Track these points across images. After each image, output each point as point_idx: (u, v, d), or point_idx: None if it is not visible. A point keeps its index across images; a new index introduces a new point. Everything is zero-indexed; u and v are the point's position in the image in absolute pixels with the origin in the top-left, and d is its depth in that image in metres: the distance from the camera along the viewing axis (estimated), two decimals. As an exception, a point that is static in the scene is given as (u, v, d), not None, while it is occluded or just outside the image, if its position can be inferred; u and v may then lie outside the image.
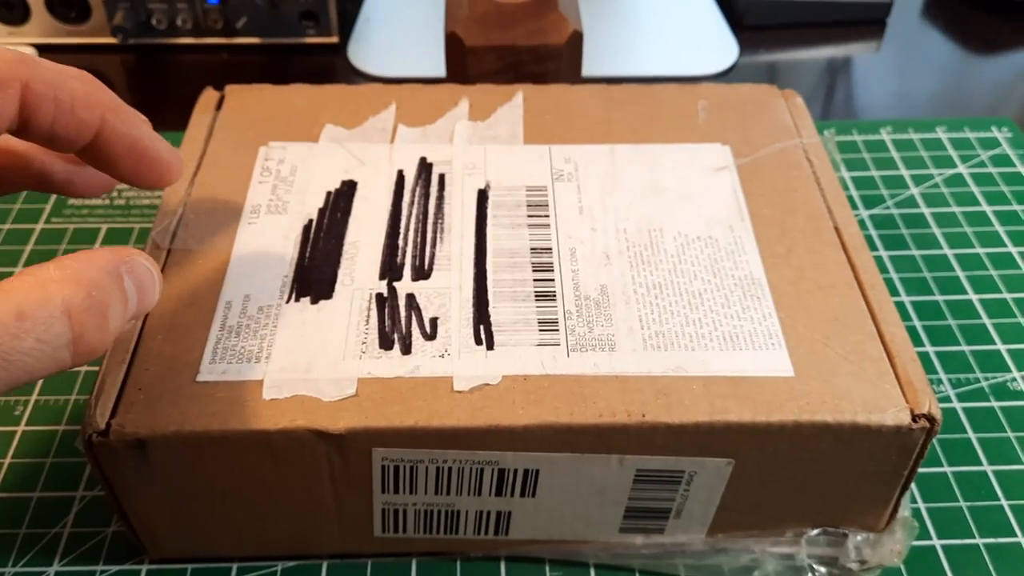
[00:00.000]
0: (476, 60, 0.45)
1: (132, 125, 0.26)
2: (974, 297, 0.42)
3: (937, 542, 0.33)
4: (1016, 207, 0.47)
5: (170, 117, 0.53)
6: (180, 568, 0.32)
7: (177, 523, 0.31)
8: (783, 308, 0.31)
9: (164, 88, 0.56)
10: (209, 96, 0.39)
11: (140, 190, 0.47)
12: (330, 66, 0.58)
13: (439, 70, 0.48)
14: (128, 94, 0.56)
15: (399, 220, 0.34)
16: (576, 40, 0.46)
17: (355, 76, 0.57)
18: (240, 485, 0.29)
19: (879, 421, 0.28)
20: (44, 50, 0.57)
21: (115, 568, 0.32)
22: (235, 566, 0.32)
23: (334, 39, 0.58)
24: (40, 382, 0.38)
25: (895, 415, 0.28)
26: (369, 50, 0.58)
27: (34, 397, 0.37)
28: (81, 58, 0.58)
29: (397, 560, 0.33)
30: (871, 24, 0.62)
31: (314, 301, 0.31)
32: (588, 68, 0.49)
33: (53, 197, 0.47)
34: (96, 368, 0.37)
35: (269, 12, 0.56)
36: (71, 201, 0.46)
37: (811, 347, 0.30)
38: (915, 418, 0.28)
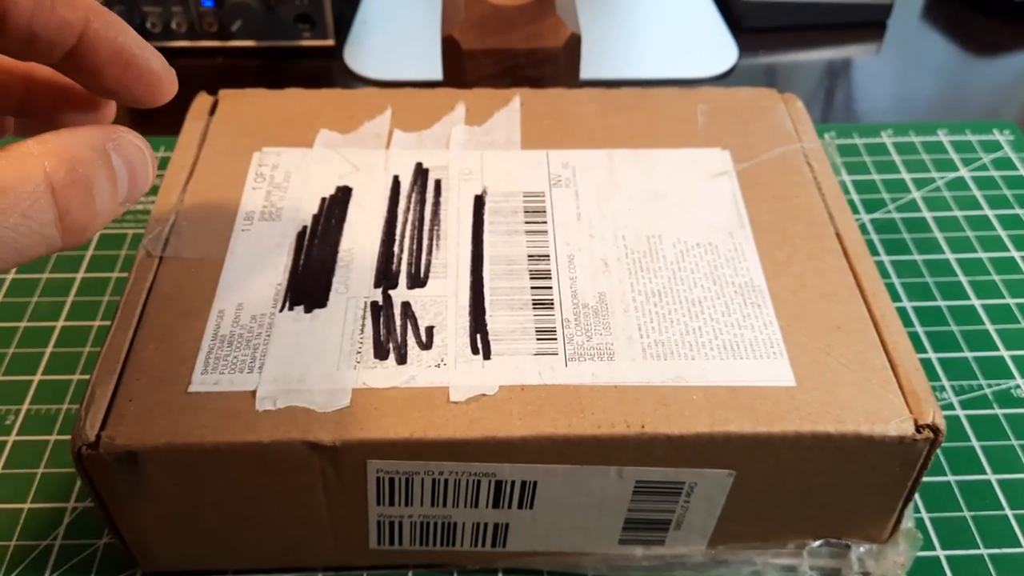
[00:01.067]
0: (473, 64, 0.45)
1: (118, 30, 0.24)
2: (977, 302, 0.42)
3: (941, 553, 0.33)
4: (1019, 210, 0.46)
5: (164, 121, 0.52)
6: (173, 580, 0.32)
7: (169, 536, 0.30)
8: (784, 316, 0.31)
9: (159, 92, 0.56)
10: (202, 101, 0.38)
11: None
12: (326, 69, 0.57)
13: (436, 73, 0.47)
14: (122, 98, 0.55)
15: (394, 227, 0.33)
16: (574, 43, 0.45)
17: (351, 79, 0.56)
18: (233, 498, 0.29)
19: (882, 432, 0.28)
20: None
21: (108, 581, 0.32)
22: (228, 578, 0.32)
23: (330, 42, 0.57)
24: (31, 390, 0.37)
25: (898, 425, 0.28)
26: (365, 53, 0.58)
27: (25, 406, 0.37)
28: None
29: (393, 572, 0.32)
30: (871, 26, 0.62)
31: (308, 310, 0.30)
32: (586, 71, 0.48)
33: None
34: (87, 377, 0.37)
35: (264, 15, 0.55)
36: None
37: (813, 356, 0.29)
38: (919, 428, 0.28)
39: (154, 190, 0.46)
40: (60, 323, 0.40)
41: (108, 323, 0.40)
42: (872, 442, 0.28)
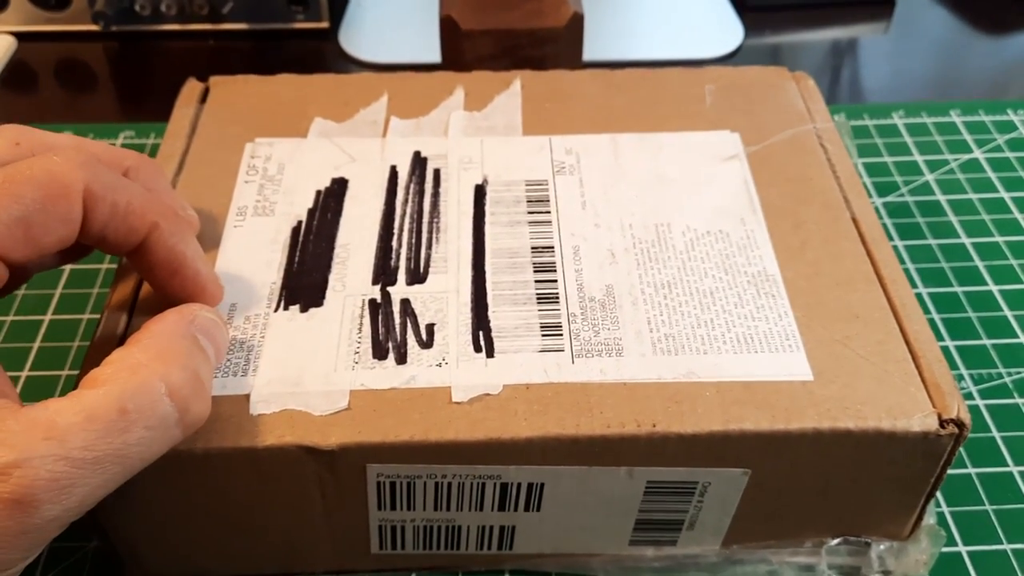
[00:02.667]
0: (472, 44, 0.44)
1: (180, 238, 0.27)
2: (994, 288, 0.41)
3: (963, 548, 0.32)
4: (1035, 192, 0.45)
5: (155, 107, 0.51)
6: (167, 587, 0.31)
7: (160, 543, 0.29)
8: (799, 306, 0.30)
9: (148, 77, 0.54)
10: (192, 88, 0.37)
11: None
12: (320, 52, 0.56)
13: (433, 55, 0.46)
14: (111, 84, 0.54)
15: (392, 220, 0.32)
16: (576, 23, 0.44)
17: (346, 62, 0.55)
18: (226, 504, 0.28)
19: (905, 427, 0.27)
20: (24, 38, 0.56)
21: (98, 591, 0.31)
22: (225, 585, 0.31)
23: (324, 24, 0.56)
24: (19, 387, 0.36)
25: (922, 420, 0.27)
26: (361, 35, 0.56)
27: (25, 372, 0.36)
28: (61, 46, 0.56)
29: (396, 575, 0.31)
30: (879, 4, 0.61)
31: (304, 309, 0.29)
32: (589, 52, 0.47)
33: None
34: (75, 373, 0.36)
35: (256, -3, 0.54)
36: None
37: (830, 348, 0.28)
38: (943, 423, 0.27)
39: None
40: (48, 316, 0.39)
41: (95, 317, 0.39)
42: (894, 438, 0.27)
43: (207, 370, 0.25)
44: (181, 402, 0.23)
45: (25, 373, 0.37)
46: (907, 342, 0.29)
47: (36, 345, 0.38)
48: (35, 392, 0.36)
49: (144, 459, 0.23)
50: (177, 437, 0.23)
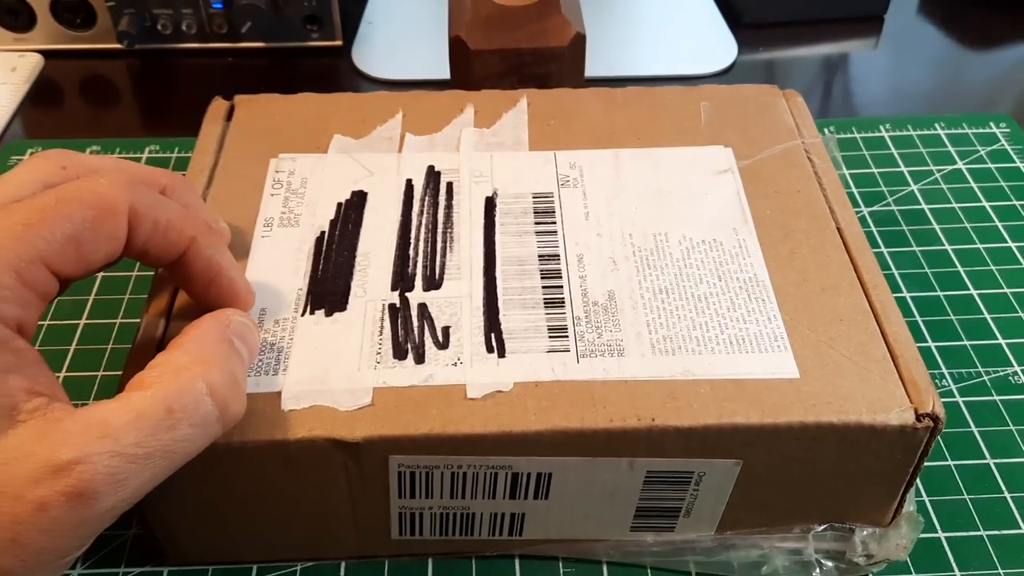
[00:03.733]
0: (480, 63, 0.46)
1: (215, 250, 0.29)
2: (975, 292, 0.43)
3: (942, 535, 0.34)
4: (1015, 202, 0.47)
5: (177, 121, 0.54)
6: (201, 570, 0.33)
7: (197, 529, 0.31)
8: (787, 310, 0.32)
9: (170, 93, 0.57)
10: (218, 106, 0.39)
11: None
12: (334, 69, 0.58)
13: (442, 72, 0.48)
14: (134, 100, 0.56)
15: (409, 230, 0.34)
16: (578, 42, 0.46)
17: (359, 79, 0.57)
18: (259, 493, 0.30)
19: (884, 421, 0.29)
20: (50, 56, 0.58)
21: (137, 570, 0.33)
22: (255, 567, 0.33)
23: (338, 42, 0.58)
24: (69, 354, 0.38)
25: (900, 415, 0.29)
26: (372, 53, 0.59)
27: (63, 374, 0.38)
28: (86, 64, 0.58)
29: (414, 559, 0.33)
30: (869, 20, 0.63)
31: (328, 313, 0.31)
32: (590, 69, 0.49)
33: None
34: (116, 373, 0.38)
35: (273, 16, 0.56)
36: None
37: (816, 348, 0.30)
38: (919, 417, 0.29)
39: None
40: (83, 321, 0.41)
41: (130, 321, 0.41)
42: (874, 431, 0.29)
43: (242, 371, 0.27)
44: (221, 401, 0.25)
45: (63, 374, 0.39)
46: (887, 343, 0.31)
47: (72, 348, 0.40)
48: (73, 392, 0.38)
49: (188, 454, 0.25)
50: (217, 433, 0.25)
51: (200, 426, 0.24)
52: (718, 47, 0.59)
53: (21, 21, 0.57)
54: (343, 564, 0.33)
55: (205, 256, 0.28)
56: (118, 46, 0.56)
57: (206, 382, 0.25)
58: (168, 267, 0.29)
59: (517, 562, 0.33)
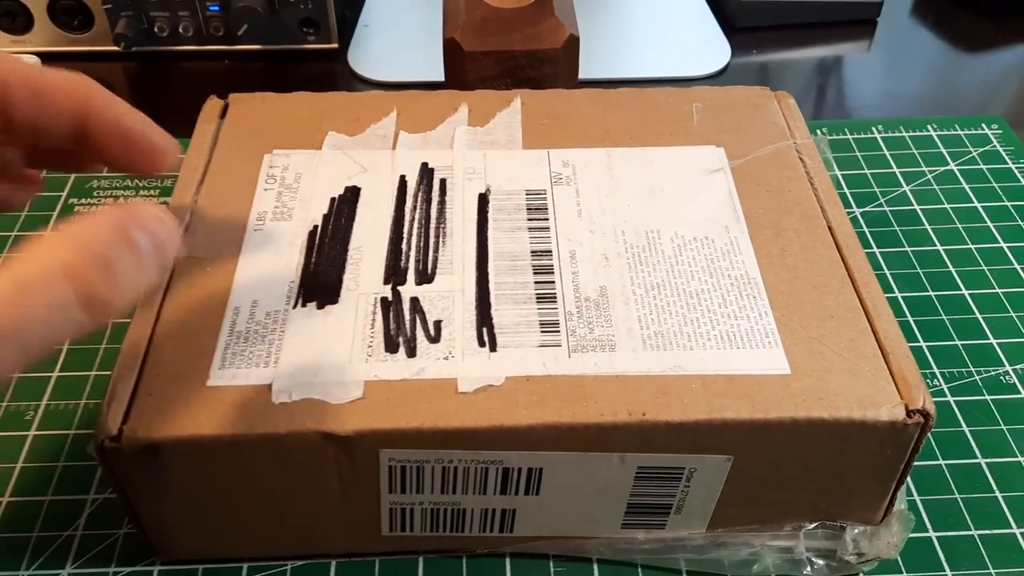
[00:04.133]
0: (474, 65, 0.46)
1: (118, 110, 0.26)
2: (966, 292, 0.43)
3: (933, 534, 0.34)
4: (1007, 203, 0.47)
5: (173, 123, 0.53)
6: (191, 568, 0.33)
7: (188, 525, 0.31)
8: (779, 307, 0.32)
9: (167, 95, 0.57)
10: (213, 105, 0.39)
11: (146, 197, 0.48)
12: (330, 72, 0.58)
13: (438, 74, 0.48)
14: (131, 102, 0.56)
15: (402, 225, 0.34)
16: (572, 44, 0.46)
17: (355, 81, 0.57)
18: (250, 487, 0.30)
19: (874, 417, 0.29)
20: (47, 58, 0.58)
21: (127, 569, 0.33)
22: (245, 566, 0.33)
23: (334, 45, 0.58)
24: (50, 387, 0.38)
25: (890, 411, 0.29)
26: (368, 56, 0.59)
27: (44, 402, 0.38)
28: (84, 66, 0.57)
29: (405, 557, 0.33)
30: (861, 24, 0.63)
31: (320, 306, 0.31)
32: (584, 72, 0.49)
33: (60, 203, 0.47)
34: (107, 373, 0.38)
35: (270, 19, 0.56)
36: (77, 208, 0.47)
37: (807, 345, 0.31)
38: (910, 413, 0.29)
39: (167, 191, 0.47)
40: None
41: (124, 321, 0.41)
42: (864, 427, 0.29)
43: (128, 261, 0.24)
44: (82, 284, 0.22)
45: (56, 374, 0.39)
46: (877, 340, 0.31)
47: (65, 347, 0.40)
48: (66, 392, 0.38)
49: (46, 337, 0.22)
50: (83, 321, 0.23)
51: (54, 306, 0.22)
52: (711, 50, 0.60)
53: (18, 23, 0.57)
54: (333, 563, 0.33)
55: (110, 117, 0.26)
56: (115, 48, 0.57)
57: (63, 261, 0.22)
58: (75, 142, 0.26)
59: (508, 561, 0.33)
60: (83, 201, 0.47)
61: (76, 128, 0.26)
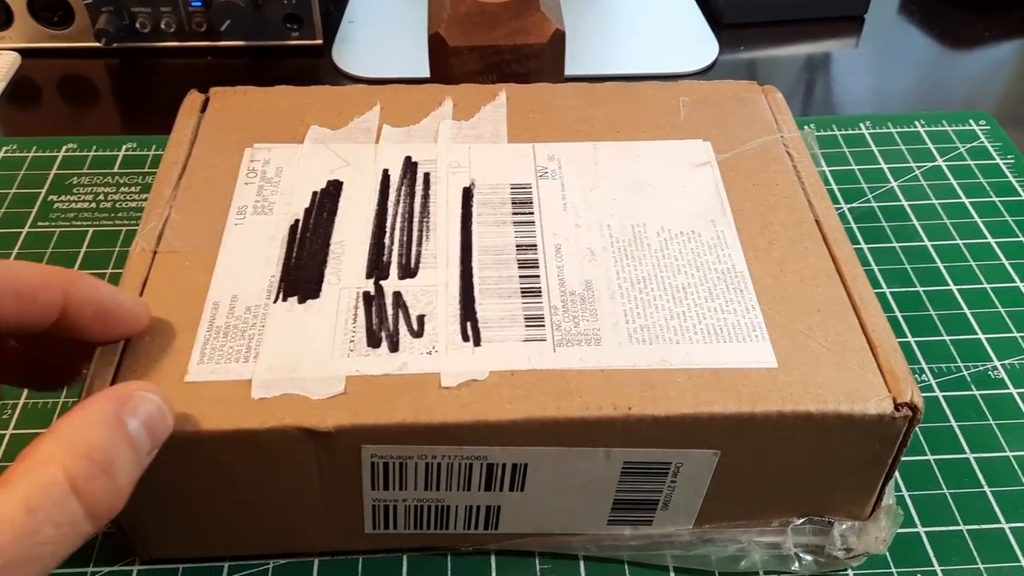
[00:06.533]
0: (459, 60, 0.46)
1: (92, 289, 0.27)
2: (954, 288, 0.43)
3: (921, 529, 0.34)
4: (994, 198, 0.47)
5: (155, 120, 0.53)
6: (171, 568, 0.32)
7: (167, 523, 0.31)
8: (766, 300, 0.31)
9: (148, 91, 0.56)
10: (193, 99, 0.39)
11: (127, 194, 0.47)
12: (314, 68, 0.58)
13: (423, 71, 0.48)
14: (112, 98, 0.56)
15: (385, 219, 0.34)
16: (558, 39, 0.46)
17: (339, 78, 0.57)
18: (229, 485, 0.29)
19: (862, 410, 0.28)
20: (27, 54, 0.57)
21: (106, 569, 0.32)
22: (226, 565, 0.32)
23: (318, 41, 0.58)
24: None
25: (877, 404, 0.28)
26: (353, 52, 0.58)
27: (22, 400, 0.37)
28: (64, 63, 0.58)
29: (388, 556, 0.33)
30: (849, 21, 0.63)
31: (301, 300, 0.31)
32: (570, 68, 0.49)
33: (40, 199, 0.47)
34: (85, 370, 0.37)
35: (253, 15, 0.56)
36: (57, 205, 0.46)
37: (794, 338, 0.30)
38: (897, 407, 0.28)
39: (149, 187, 0.47)
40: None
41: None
42: (852, 420, 0.29)
43: (127, 458, 0.24)
44: (87, 497, 0.22)
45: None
46: (865, 333, 0.31)
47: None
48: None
49: (57, 556, 0.22)
50: (88, 530, 0.23)
51: (65, 526, 0.22)
52: (699, 46, 0.59)
53: (-2, 19, 0.56)
54: (316, 561, 0.33)
55: (87, 299, 0.27)
56: (96, 44, 0.56)
57: (69, 476, 0.22)
58: (56, 327, 0.27)
59: (493, 558, 0.33)
60: (63, 198, 0.47)
61: (57, 317, 0.27)
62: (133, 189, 0.47)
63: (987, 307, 0.42)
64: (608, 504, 0.31)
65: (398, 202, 0.35)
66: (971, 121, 0.52)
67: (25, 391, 0.38)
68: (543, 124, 0.38)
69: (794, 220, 0.34)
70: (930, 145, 0.51)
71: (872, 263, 0.44)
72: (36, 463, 0.22)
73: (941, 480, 0.35)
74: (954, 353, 0.40)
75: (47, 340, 0.28)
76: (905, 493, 0.35)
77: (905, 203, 0.47)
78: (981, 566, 0.33)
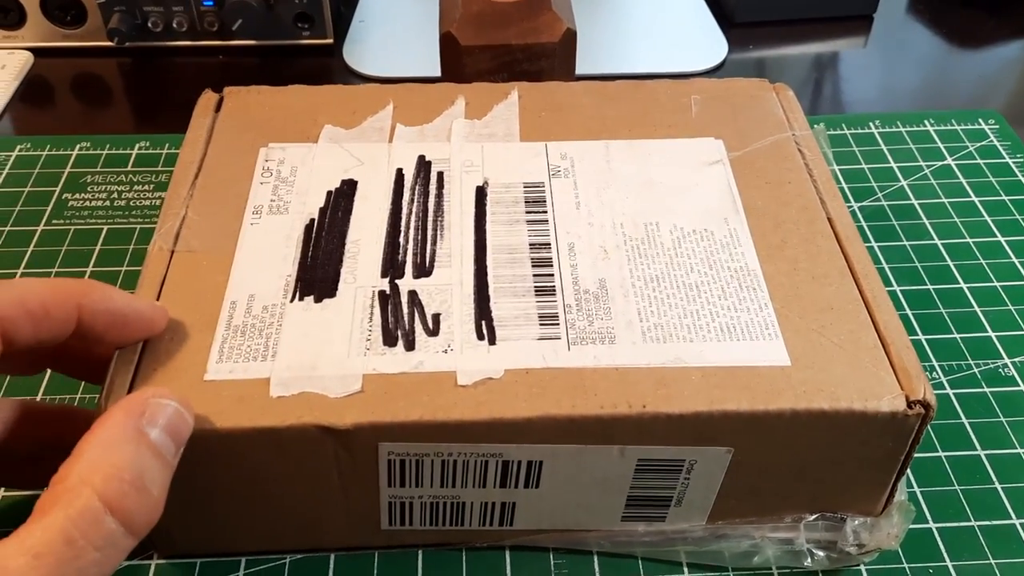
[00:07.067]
0: (471, 59, 0.46)
1: (106, 300, 0.28)
2: (964, 286, 0.43)
3: (933, 525, 0.34)
4: (1004, 197, 0.47)
5: (167, 119, 0.54)
6: (190, 562, 0.33)
7: (186, 520, 0.31)
8: (778, 299, 0.32)
9: (161, 91, 0.56)
10: (208, 98, 0.39)
11: (140, 192, 0.47)
12: (325, 67, 0.58)
13: (434, 70, 0.48)
14: (125, 98, 0.56)
15: (399, 218, 0.34)
16: (570, 38, 0.46)
17: (351, 77, 0.57)
18: (249, 482, 0.30)
19: (875, 408, 0.29)
20: (40, 54, 0.58)
21: (125, 563, 0.33)
22: (243, 559, 0.33)
23: (329, 40, 0.58)
24: (45, 381, 0.38)
25: (890, 402, 0.29)
26: (364, 51, 0.59)
27: (39, 397, 0.38)
28: (77, 62, 0.58)
29: (404, 551, 0.33)
30: (858, 20, 0.63)
31: (318, 300, 0.31)
32: (581, 67, 0.49)
33: (54, 198, 0.47)
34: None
35: (264, 14, 0.56)
36: (71, 203, 0.47)
37: (806, 336, 0.30)
38: (910, 404, 0.29)
39: (162, 185, 0.47)
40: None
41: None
42: (865, 418, 0.29)
43: (154, 468, 0.24)
44: (124, 515, 0.23)
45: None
46: (877, 331, 0.31)
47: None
48: (62, 387, 0.38)
49: (104, 574, 0.23)
50: (130, 546, 0.23)
51: (107, 547, 0.22)
52: (708, 45, 0.60)
53: (11, 18, 0.57)
54: (332, 556, 0.33)
55: (102, 308, 0.27)
56: (109, 43, 0.56)
57: (105, 498, 0.22)
58: (74, 338, 0.27)
59: (508, 554, 0.33)
60: (77, 196, 0.47)
61: (74, 329, 0.27)
62: (147, 187, 0.48)
63: (997, 305, 0.42)
64: (622, 501, 0.31)
65: (412, 201, 0.35)
66: (980, 120, 0.52)
67: (42, 388, 0.38)
68: (555, 123, 0.39)
69: (806, 218, 0.35)
70: (939, 144, 0.51)
71: (882, 261, 0.44)
72: (67, 489, 0.22)
73: (952, 477, 0.35)
74: (965, 351, 0.40)
75: (68, 349, 0.28)
76: (917, 489, 0.35)
77: (915, 201, 0.47)
78: (992, 562, 0.33)
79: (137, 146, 0.50)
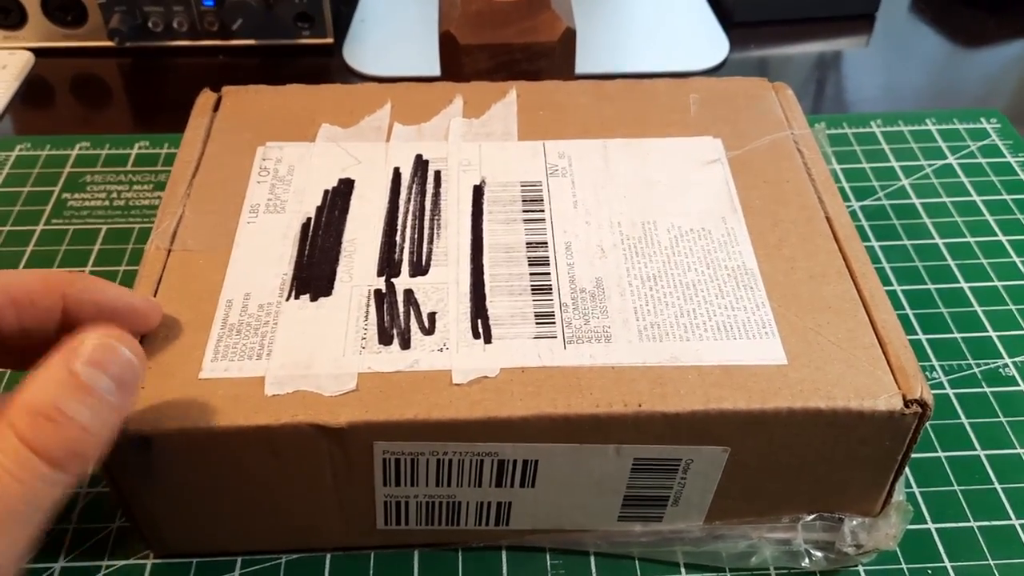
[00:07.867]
0: (470, 58, 0.46)
1: (94, 291, 0.27)
2: (965, 285, 0.43)
3: (932, 525, 0.34)
4: (1005, 196, 0.47)
5: (167, 119, 0.54)
6: (185, 562, 0.33)
7: (181, 519, 0.31)
8: (776, 297, 0.32)
9: (161, 90, 0.57)
10: (206, 98, 0.39)
11: (140, 192, 0.47)
12: (325, 67, 0.58)
13: (433, 69, 0.48)
14: (125, 97, 0.56)
15: (396, 217, 0.34)
16: (569, 38, 0.46)
17: (350, 76, 0.57)
18: (243, 480, 0.30)
19: (872, 407, 0.28)
20: (41, 54, 0.58)
21: (120, 563, 0.33)
22: (239, 559, 0.33)
23: (329, 40, 0.58)
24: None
25: (887, 401, 0.28)
26: (364, 50, 0.59)
27: None
28: (77, 62, 0.58)
29: (400, 551, 0.33)
30: (860, 19, 0.63)
31: (314, 298, 0.31)
32: (580, 66, 0.49)
33: (54, 197, 0.47)
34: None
35: (264, 14, 0.56)
36: (71, 202, 0.47)
37: (804, 335, 0.30)
38: (907, 403, 0.28)
39: (161, 185, 0.47)
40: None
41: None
42: (862, 417, 0.29)
43: (85, 402, 0.24)
44: (36, 444, 0.23)
45: None
46: (875, 330, 0.31)
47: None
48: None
49: (35, 507, 0.23)
50: (61, 479, 0.23)
51: (29, 479, 0.22)
52: (709, 45, 0.59)
53: (12, 18, 0.57)
54: (328, 556, 0.33)
55: (88, 300, 0.27)
56: (109, 44, 0.56)
57: (17, 429, 0.23)
58: (62, 329, 0.27)
59: (504, 554, 0.33)
60: (76, 196, 0.47)
61: (60, 320, 0.27)
62: (146, 187, 0.48)
63: (998, 304, 0.42)
64: (619, 500, 0.31)
65: (409, 200, 0.35)
66: (982, 119, 0.52)
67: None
68: (553, 122, 0.38)
69: (805, 217, 0.34)
70: (941, 143, 0.51)
71: (883, 260, 0.44)
72: None
73: (952, 477, 0.35)
74: (965, 350, 0.40)
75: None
76: (916, 489, 0.35)
77: (916, 201, 0.47)
78: (991, 562, 0.33)
79: (136, 146, 0.50)
